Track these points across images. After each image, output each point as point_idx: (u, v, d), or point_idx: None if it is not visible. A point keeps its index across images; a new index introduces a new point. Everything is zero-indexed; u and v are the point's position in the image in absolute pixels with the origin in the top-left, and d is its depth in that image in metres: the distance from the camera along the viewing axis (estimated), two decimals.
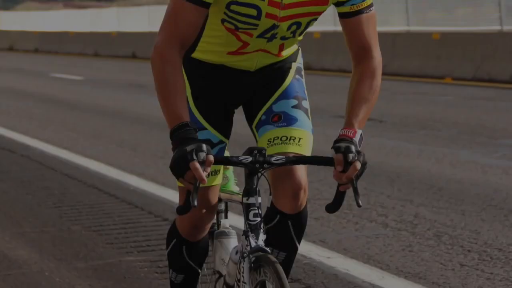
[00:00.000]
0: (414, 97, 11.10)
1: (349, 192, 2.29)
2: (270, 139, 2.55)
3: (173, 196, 5.46)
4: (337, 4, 2.42)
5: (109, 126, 9.20)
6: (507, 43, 13.02)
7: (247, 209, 2.32)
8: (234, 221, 3.15)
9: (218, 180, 2.61)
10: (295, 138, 2.53)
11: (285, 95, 2.61)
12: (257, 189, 2.33)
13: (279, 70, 2.62)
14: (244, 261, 2.29)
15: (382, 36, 14.50)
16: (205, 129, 2.55)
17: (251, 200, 2.32)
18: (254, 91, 2.62)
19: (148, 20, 24.98)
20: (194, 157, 2.17)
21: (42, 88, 14.21)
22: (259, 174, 2.32)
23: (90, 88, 13.89)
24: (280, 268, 2.20)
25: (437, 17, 17.43)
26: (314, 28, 19.50)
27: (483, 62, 13.24)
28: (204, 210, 2.58)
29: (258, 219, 2.30)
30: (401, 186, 5.69)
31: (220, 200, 2.79)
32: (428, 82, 13.20)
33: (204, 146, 2.20)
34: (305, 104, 2.61)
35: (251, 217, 2.30)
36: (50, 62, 22.19)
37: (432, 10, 17.65)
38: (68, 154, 7.41)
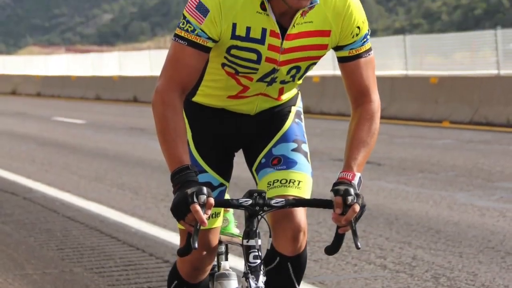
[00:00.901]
0: (412, 140, 11.20)
1: (348, 234, 2.33)
2: (270, 182, 2.58)
3: (174, 238, 5.50)
4: (336, 49, 2.46)
5: (111, 169, 9.27)
6: (504, 87, 13.17)
7: (247, 251, 2.36)
8: (234, 263, 3.20)
9: (218, 223, 2.64)
10: (295, 181, 2.56)
11: (285, 139, 2.64)
12: (257, 231, 2.36)
13: (279, 114, 2.66)
14: None
15: (381, 80, 14.74)
16: (206, 172, 2.59)
17: (251, 242, 2.35)
18: (254, 134, 2.66)
19: (149, 64, 25.23)
20: (195, 199, 2.19)
21: (45, 131, 14.31)
22: (259, 217, 2.35)
23: (91, 132, 13.99)
24: None
25: (435, 61, 17.63)
26: (313, 72, 19.62)
27: (481, 106, 13.37)
28: (205, 252, 2.61)
29: (258, 261, 2.33)
30: (399, 228, 5.74)
31: (220, 242, 2.83)
32: (426, 126, 13.30)
33: (205, 189, 2.21)
34: (305, 147, 2.65)
35: (251, 259, 2.33)
36: (52, 106, 22.35)
37: (430, 54, 17.85)
38: (70, 196, 7.47)
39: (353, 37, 2.43)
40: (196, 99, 2.62)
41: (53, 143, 12.29)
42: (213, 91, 2.58)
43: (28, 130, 14.60)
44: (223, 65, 2.47)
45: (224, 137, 2.65)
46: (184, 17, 2.37)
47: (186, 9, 2.38)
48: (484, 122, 13.12)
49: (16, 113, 19.52)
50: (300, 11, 2.37)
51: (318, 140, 11.11)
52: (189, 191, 2.20)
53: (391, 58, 17.89)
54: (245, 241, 2.36)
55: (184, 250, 2.22)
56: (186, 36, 2.36)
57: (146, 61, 25.59)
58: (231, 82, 2.51)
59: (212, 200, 2.21)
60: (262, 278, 2.32)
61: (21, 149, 11.55)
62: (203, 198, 2.19)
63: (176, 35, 2.38)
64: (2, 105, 23.11)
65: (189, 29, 2.36)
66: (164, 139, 2.33)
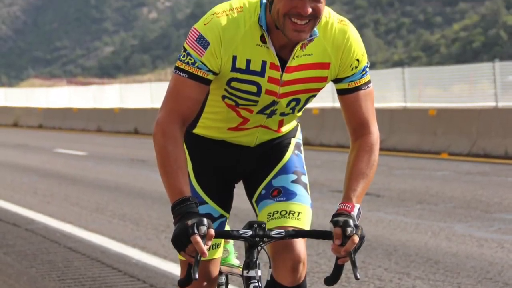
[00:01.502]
0: (411, 172, 11.24)
1: (347, 265, 2.36)
2: (270, 213, 2.60)
3: (175, 269, 5.54)
4: (335, 81, 2.50)
5: (112, 200, 9.31)
6: (502, 119, 13.25)
7: (247, 282, 2.39)
8: None
9: (218, 254, 2.67)
10: (295, 212, 2.58)
11: (285, 170, 2.67)
12: (257, 262, 2.39)
13: (279, 146, 2.69)
14: None
15: (380, 112, 14.78)
16: (206, 203, 2.62)
17: (251, 273, 2.37)
18: (254, 166, 2.69)
19: (150, 96, 25.36)
20: (195, 231, 2.20)
21: (46, 163, 14.37)
22: (259, 248, 2.38)
23: (93, 163, 14.04)
24: None
25: (433, 94, 17.74)
26: (313, 104, 19.51)
27: (479, 138, 13.44)
28: (205, 283, 2.63)
29: None
30: (398, 259, 5.77)
31: (220, 273, 2.87)
32: (425, 158, 13.36)
33: (205, 220, 2.22)
34: (304, 179, 2.68)
35: None
36: (54, 137, 22.41)
37: (429, 87, 17.97)
38: (71, 228, 7.51)
39: (352, 69, 2.46)
40: (196, 131, 2.66)
41: (55, 174, 12.34)
42: (214, 123, 2.61)
43: (29, 162, 14.65)
44: (224, 97, 2.51)
45: (224, 169, 2.68)
46: (185, 50, 2.40)
47: (187, 41, 2.41)
48: (482, 153, 13.18)
49: (18, 145, 19.58)
50: (300, 44, 2.41)
51: (318, 171, 11.15)
52: (190, 222, 2.22)
53: (390, 91, 18.01)
54: (245, 272, 2.39)
55: (185, 280, 2.24)
56: (186, 69, 2.39)
57: (147, 93, 25.72)
58: (231, 114, 2.55)
59: (212, 231, 2.23)
60: None
61: (23, 181, 11.59)
62: (203, 229, 2.21)
63: (177, 68, 2.41)
64: (4, 137, 23.18)
65: (190, 62, 2.39)
66: (164, 170, 2.34)
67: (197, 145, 2.67)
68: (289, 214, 2.58)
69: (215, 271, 2.66)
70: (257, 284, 2.37)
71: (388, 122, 15.04)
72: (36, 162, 14.55)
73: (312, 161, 12.57)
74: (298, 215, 2.58)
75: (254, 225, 2.36)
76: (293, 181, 2.66)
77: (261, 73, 2.43)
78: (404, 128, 14.90)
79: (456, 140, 13.77)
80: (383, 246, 6.22)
